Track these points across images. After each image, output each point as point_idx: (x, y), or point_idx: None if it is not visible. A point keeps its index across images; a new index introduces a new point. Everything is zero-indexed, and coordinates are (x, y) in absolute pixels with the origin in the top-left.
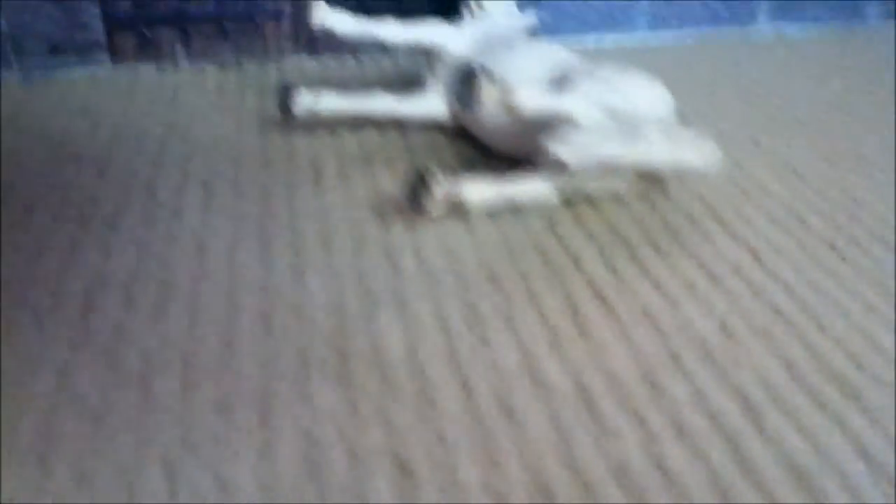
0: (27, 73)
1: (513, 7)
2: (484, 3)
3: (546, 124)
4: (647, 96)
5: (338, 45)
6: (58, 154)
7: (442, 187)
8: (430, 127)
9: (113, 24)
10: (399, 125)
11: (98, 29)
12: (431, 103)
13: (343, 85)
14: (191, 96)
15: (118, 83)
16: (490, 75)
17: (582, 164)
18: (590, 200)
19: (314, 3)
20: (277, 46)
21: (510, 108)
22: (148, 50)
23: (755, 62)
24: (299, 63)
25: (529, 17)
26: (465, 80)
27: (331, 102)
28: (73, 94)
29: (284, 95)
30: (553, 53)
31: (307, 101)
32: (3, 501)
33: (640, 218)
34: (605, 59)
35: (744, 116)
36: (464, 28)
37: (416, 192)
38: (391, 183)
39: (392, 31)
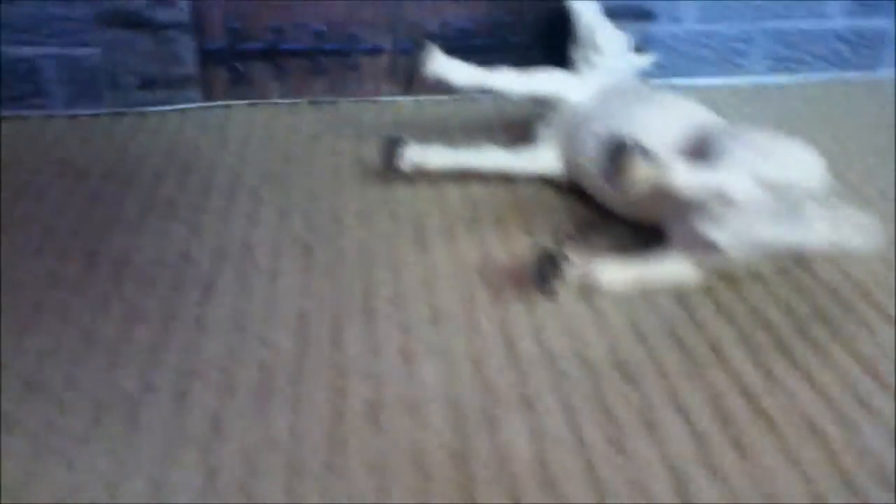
0: (118, 107)
1: (624, 46)
2: (599, 44)
3: (695, 200)
4: (800, 165)
5: (437, 85)
6: (151, 200)
7: (574, 270)
8: (539, 180)
9: (206, 58)
10: (506, 178)
11: (191, 63)
12: (544, 158)
13: (442, 127)
14: (285, 136)
15: (210, 119)
16: (643, 151)
17: (739, 250)
18: (725, 276)
19: (428, 51)
20: (374, 84)
21: (663, 186)
22: (240, 85)
23: (884, 109)
24: (396, 102)
25: (643, 58)
26: (615, 155)
27: (438, 157)
28: (163, 130)
29: (390, 149)
30: (685, 108)
31: (414, 156)
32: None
33: (782, 298)
34: (725, 103)
35: (879, 172)
36: (582, 76)
37: (544, 272)
38: (502, 247)
39: (507, 79)
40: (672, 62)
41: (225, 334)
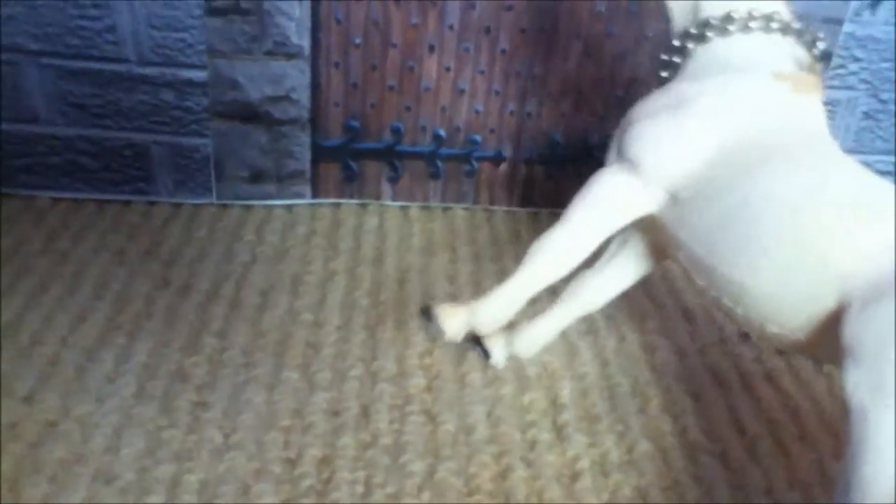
0: (225, 199)
1: None
2: None
3: None
4: None
5: (556, 200)
6: (253, 294)
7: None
8: None
9: (320, 154)
10: None
11: (304, 158)
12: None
13: None
14: (397, 244)
15: (318, 218)
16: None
17: None
18: None
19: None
20: (490, 193)
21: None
22: (352, 183)
23: None
24: (511, 214)
25: None
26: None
27: (532, 338)
28: (270, 225)
29: (481, 346)
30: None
31: (502, 351)
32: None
33: None
34: None
35: None
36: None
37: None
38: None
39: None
40: None
41: None
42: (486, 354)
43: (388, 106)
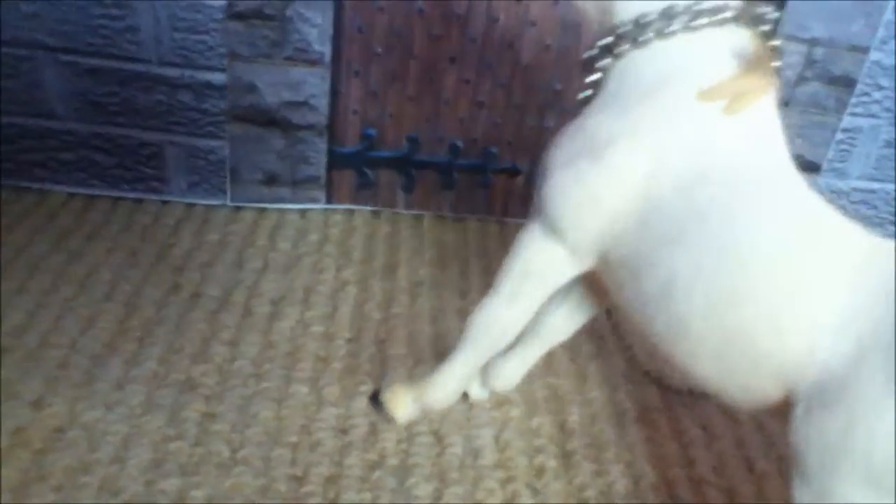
0: (238, 201)
1: None
2: None
3: None
4: None
5: None
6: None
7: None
8: None
9: (335, 160)
10: None
11: (320, 164)
12: None
13: None
14: (409, 254)
15: (331, 224)
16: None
17: None
18: None
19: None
20: (504, 205)
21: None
22: (366, 190)
23: None
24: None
25: None
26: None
27: (507, 376)
28: (282, 231)
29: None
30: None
31: (480, 389)
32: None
33: None
34: None
35: None
36: None
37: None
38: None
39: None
40: None
41: None
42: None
43: (407, 116)
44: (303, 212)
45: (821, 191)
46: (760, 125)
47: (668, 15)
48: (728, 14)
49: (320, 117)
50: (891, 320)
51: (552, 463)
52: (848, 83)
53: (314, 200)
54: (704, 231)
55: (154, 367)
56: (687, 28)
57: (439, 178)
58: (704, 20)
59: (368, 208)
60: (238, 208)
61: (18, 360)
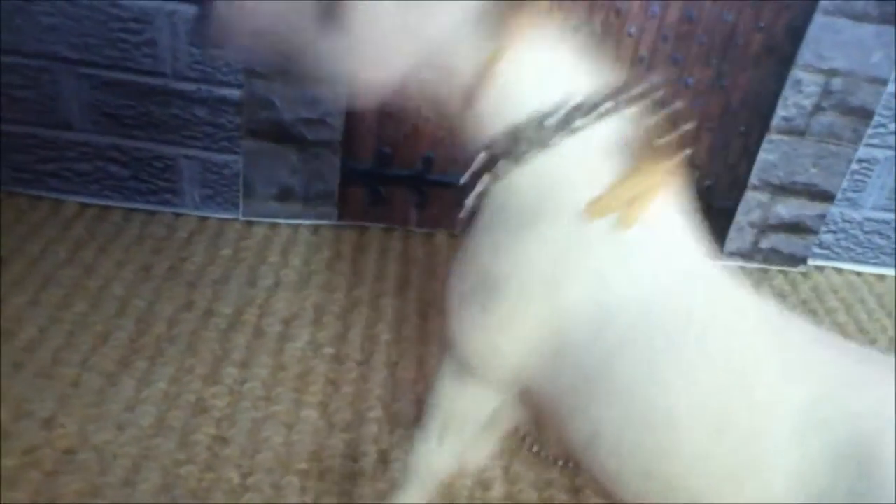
0: (251, 215)
1: None
2: None
3: None
4: None
5: None
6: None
7: None
8: None
9: (349, 177)
10: None
11: (333, 180)
12: None
13: None
14: (421, 273)
15: (343, 241)
16: None
17: None
18: None
19: None
20: None
21: None
22: (379, 207)
23: None
24: None
25: None
26: None
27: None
28: (295, 245)
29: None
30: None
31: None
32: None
33: None
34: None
35: None
36: None
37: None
38: None
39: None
40: (845, 247)
41: None
42: None
43: (422, 136)
44: (315, 227)
45: (834, 221)
46: (665, 231)
47: (537, 121)
48: (608, 105)
49: (335, 134)
50: None
51: (562, 497)
52: (865, 114)
53: (327, 216)
54: (621, 383)
55: (165, 387)
56: (564, 131)
57: (452, 198)
58: (579, 121)
59: (381, 225)
60: (250, 223)
61: (31, 376)
